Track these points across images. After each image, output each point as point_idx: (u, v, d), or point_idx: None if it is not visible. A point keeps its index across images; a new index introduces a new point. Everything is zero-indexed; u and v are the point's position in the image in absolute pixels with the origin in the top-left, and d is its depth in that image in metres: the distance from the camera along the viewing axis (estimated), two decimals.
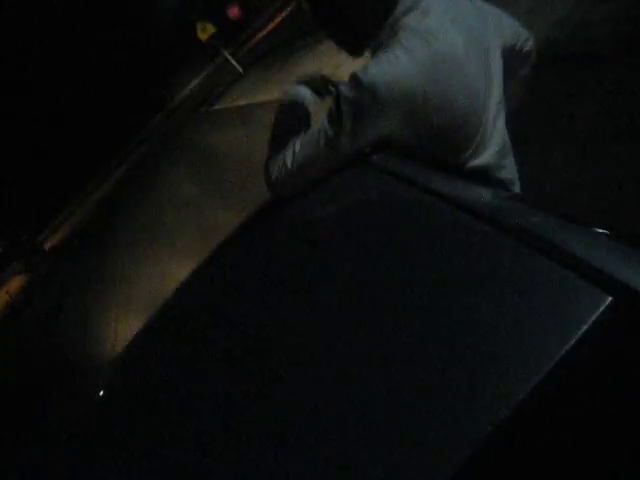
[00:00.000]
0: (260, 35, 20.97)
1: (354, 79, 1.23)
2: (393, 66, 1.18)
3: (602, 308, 0.71)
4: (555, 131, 3.72)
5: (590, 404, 0.75)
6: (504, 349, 0.75)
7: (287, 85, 1.55)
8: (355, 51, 1.41)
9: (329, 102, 1.34)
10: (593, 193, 2.94)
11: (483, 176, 1.39)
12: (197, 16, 17.76)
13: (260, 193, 1.64)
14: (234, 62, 17.27)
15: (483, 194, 1.11)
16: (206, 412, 1.08)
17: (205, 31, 16.77)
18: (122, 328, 6.16)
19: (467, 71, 1.26)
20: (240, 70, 16.54)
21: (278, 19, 20.12)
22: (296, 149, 1.33)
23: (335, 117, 1.26)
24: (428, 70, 1.19)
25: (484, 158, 1.37)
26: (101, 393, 1.46)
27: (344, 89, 1.24)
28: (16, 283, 16.17)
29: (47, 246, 19.41)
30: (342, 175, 1.33)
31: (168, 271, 6.32)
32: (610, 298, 0.71)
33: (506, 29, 1.46)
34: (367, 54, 1.36)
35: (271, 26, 20.41)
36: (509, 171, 1.47)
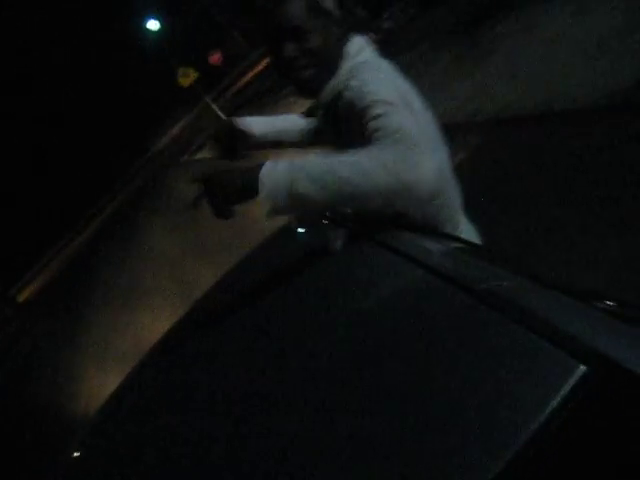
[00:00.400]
0: (243, 81, 21.36)
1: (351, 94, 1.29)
2: (371, 77, 1.29)
3: (575, 378, 0.69)
4: None
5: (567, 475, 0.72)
6: (476, 421, 0.74)
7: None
8: (313, 94, 1.45)
9: None
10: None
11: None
12: (178, 62, 18.12)
13: (242, 249, 1.69)
14: (216, 108, 17.56)
15: (464, 261, 1.15)
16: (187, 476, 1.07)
17: (186, 77, 17.06)
18: (96, 385, 6.10)
19: (420, 102, 1.37)
20: (223, 117, 16.81)
21: (262, 65, 20.55)
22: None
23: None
24: (397, 79, 1.32)
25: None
26: (76, 454, 1.48)
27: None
28: None
29: (20, 299, 19.19)
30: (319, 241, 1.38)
31: (144, 329, 6.29)
32: (583, 367, 0.69)
33: None
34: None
35: (254, 72, 20.82)
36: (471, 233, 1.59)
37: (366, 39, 1.42)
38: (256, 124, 1.66)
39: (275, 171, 1.12)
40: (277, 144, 1.71)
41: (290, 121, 1.76)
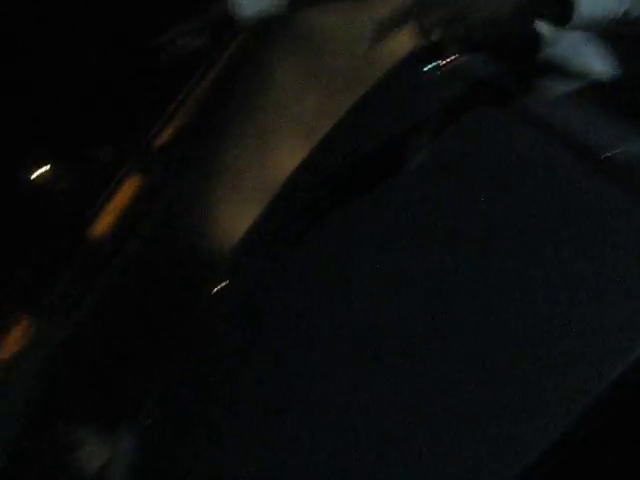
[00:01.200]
0: None
1: None
2: None
3: None
4: None
5: None
6: (599, 314, 0.66)
7: None
8: None
9: None
10: None
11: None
12: None
13: None
14: None
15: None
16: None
17: None
18: (230, 220, 6.53)
19: None
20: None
21: None
22: None
23: None
24: None
25: None
26: (219, 286, 1.60)
27: None
28: (130, 187, 17.10)
29: (156, 145, 20.33)
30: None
31: (276, 168, 6.50)
32: None
33: None
34: None
35: None
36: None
37: None
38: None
39: None
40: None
41: None
